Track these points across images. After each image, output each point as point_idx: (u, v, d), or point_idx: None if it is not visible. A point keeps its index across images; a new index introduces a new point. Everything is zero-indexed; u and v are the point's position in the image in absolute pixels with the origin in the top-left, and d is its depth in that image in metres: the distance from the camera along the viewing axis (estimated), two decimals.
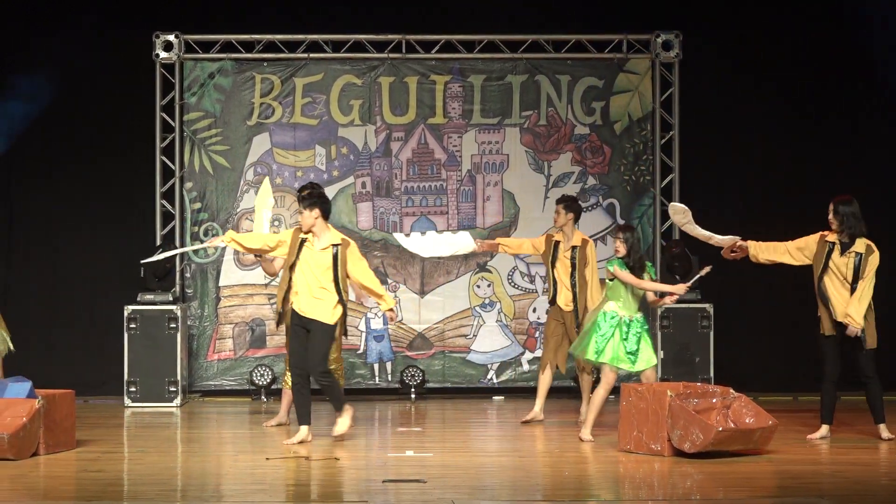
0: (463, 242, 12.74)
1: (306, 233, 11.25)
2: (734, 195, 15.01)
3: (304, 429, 11.40)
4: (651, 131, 14.99)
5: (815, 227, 11.63)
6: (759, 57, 14.99)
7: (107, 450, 11.34)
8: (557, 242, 12.62)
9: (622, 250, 11.58)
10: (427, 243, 12.76)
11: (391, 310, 11.52)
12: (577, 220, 12.70)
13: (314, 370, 11.32)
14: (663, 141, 14.98)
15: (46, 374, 12.76)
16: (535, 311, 14.80)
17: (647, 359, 11.65)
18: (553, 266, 12.61)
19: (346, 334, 12.41)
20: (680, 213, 11.80)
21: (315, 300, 11.21)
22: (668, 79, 14.97)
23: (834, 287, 11.38)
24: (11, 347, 12.17)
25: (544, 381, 12.71)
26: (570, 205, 12.67)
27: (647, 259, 11.88)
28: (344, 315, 11.41)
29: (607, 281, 11.90)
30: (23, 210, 14.79)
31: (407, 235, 13.01)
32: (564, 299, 12.58)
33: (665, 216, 14.78)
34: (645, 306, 11.76)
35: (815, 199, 12.89)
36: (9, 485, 9.64)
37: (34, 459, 10.62)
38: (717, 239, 11.64)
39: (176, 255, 11.85)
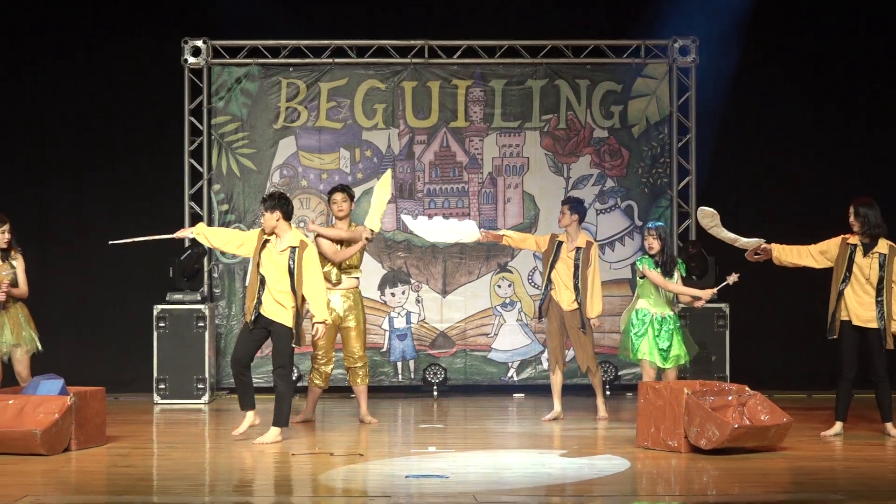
0: (468, 231, 12.67)
1: (269, 234, 11.22)
2: (750, 198, 15.01)
3: (249, 414, 11.42)
4: (668, 134, 14.99)
5: (832, 230, 11.62)
6: (775, 61, 14.98)
7: (136, 445, 11.37)
8: (560, 243, 12.61)
9: (656, 246, 11.74)
10: (432, 228, 12.68)
11: (323, 322, 11.26)
12: (581, 221, 12.67)
13: (275, 369, 11.28)
14: (680, 144, 14.97)
15: (78, 371, 12.82)
16: None
17: (676, 357, 11.78)
18: (553, 266, 12.60)
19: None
20: (708, 217, 11.78)
21: (275, 303, 11.14)
22: (684, 83, 14.97)
23: (853, 290, 11.35)
24: (39, 347, 12.20)
25: (556, 381, 12.72)
26: (575, 206, 12.66)
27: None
28: (296, 321, 11.14)
29: (638, 279, 12.01)
30: (56, 210, 14.87)
31: (414, 219, 12.95)
32: (567, 299, 12.58)
33: (682, 218, 14.82)
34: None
35: (833, 201, 12.92)
36: (41, 479, 9.68)
37: (66, 455, 10.66)
38: (743, 241, 11.62)
39: (145, 241, 11.71)
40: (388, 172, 12.73)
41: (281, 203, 11.17)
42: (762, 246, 11.54)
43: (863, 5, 14.94)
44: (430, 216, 13.18)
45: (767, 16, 14.88)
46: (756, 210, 14.82)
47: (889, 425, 11.49)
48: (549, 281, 12.64)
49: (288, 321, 11.13)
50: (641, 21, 14.93)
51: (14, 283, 12.02)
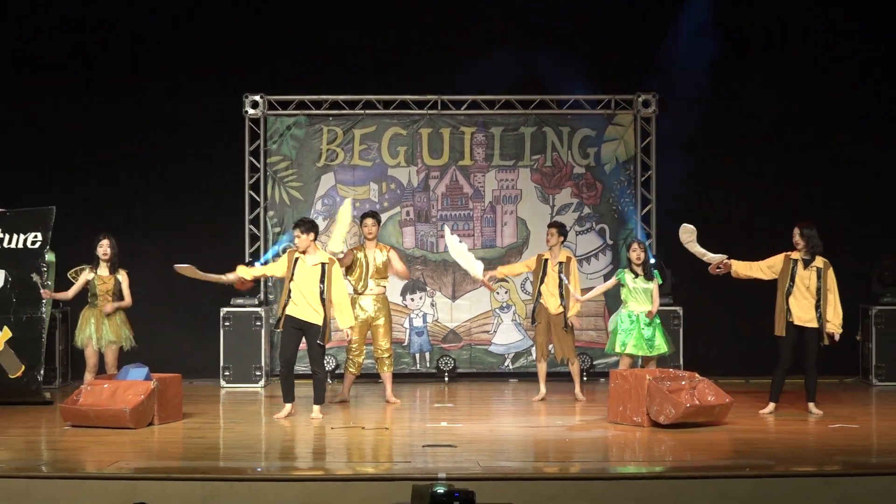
0: (476, 268, 12.68)
1: (302, 252, 11.28)
2: (699, 222, 14.89)
3: (288, 406, 11.42)
4: (634, 171, 15.00)
5: (767, 247, 11.66)
6: (719, 111, 14.97)
7: (206, 421, 11.42)
8: (546, 260, 12.69)
9: (643, 256, 11.84)
10: (457, 247, 12.74)
11: (351, 328, 11.50)
12: (564, 240, 12.80)
13: (313, 363, 11.34)
14: (643, 179, 14.97)
15: (160, 361, 12.83)
16: None
17: (659, 346, 11.81)
18: (542, 280, 12.66)
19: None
20: (688, 233, 11.78)
21: (310, 307, 11.19)
22: (647, 130, 14.98)
23: (795, 298, 11.35)
24: (134, 344, 12.23)
25: (542, 370, 12.77)
26: (560, 229, 12.79)
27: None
28: (325, 323, 11.20)
29: (621, 287, 12.00)
30: (144, 232, 14.83)
31: (452, 234, 13.01)
32: (553, 305, 12.62)
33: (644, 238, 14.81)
34: None
35: (765, 224, 12.86)
36: (130, 448, 9.74)
37: (150, 429, 10.72)
38: (710, 256, 11.63)
39: (202, 278, 11.74)
40: (348, 202, 12.81)
41: (314, 227, 11.39)
42: (724, 261, 11.55)
43: (798, 55, 14.89)
44: (461, 240, 13.15)
45: (714, 76, 14.86)
46: (704, 232, 14.73)
47: (811, 405, 11.50)
48: (540, 293, 12.69)
49: (319, 321, 11.18)
50: (611, 79, 14.94)
51: (119, 296, 12.11)
